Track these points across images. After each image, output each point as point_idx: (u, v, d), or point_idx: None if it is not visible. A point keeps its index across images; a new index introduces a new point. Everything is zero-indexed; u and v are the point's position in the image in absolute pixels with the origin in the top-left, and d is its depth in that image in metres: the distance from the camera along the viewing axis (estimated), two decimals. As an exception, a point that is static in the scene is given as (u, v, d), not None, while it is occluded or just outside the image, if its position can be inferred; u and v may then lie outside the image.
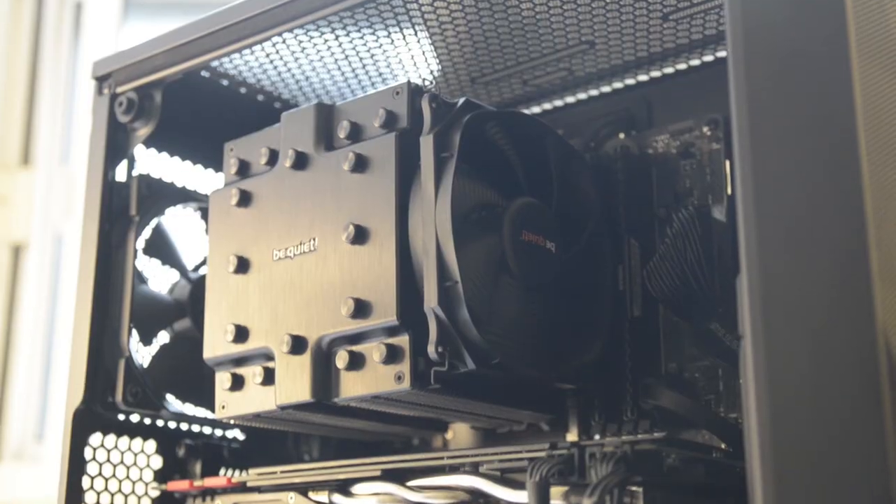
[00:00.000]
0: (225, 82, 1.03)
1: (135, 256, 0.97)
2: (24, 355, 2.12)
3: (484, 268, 0.80)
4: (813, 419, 0.64)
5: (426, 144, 0.81)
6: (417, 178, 0.81)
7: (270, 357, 0.86)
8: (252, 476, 0.90)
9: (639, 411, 0.90)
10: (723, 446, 0.84)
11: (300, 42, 0.96)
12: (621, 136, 0.98)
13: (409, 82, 0.83)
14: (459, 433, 1.02)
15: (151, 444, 0.99)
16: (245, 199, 0.90)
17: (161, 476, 0.99)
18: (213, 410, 0.89)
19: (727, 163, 0.92)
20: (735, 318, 0.66)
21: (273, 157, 0.90)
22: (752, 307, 0.63)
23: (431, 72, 1.01)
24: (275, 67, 1.00)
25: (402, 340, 0.79)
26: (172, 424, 1.01)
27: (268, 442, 1.05)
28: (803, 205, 0.66)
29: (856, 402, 0.64)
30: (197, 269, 1.05)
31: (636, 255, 0.93)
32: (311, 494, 0.87)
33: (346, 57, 0.99)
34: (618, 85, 1.02)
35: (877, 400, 0.63)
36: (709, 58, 0.98)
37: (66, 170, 2.20)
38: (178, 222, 1.05)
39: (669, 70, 1.00)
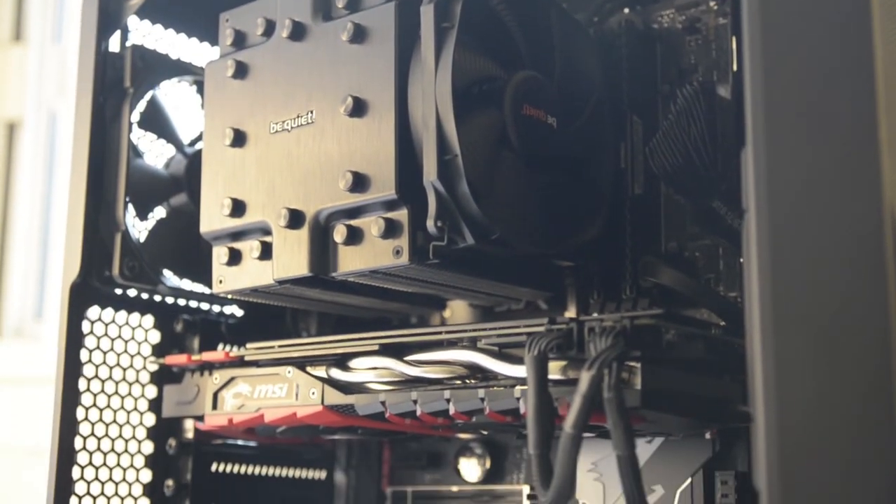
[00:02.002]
0: (220, -50, 1.00)
1: (130, 129, 0.96)
2: (21, 233, 2.12)
3: (484, 142, 0.79)
4: (816, 295, 0.63)
5: (426, 14, 0.79)
6: (417, 49, 0.79)
7: (268, 231, 0.85)
8: (250, 350, 0.90)
9: (638, 289, 0.90)
10: (722, 324, 0.84)
11: None
12: (626, 10, 0.96)
13: (409, -50, 0.81)
14: (457, 311, 1.02)
15: (149, 319, 0.99)
16: (241, 71, 0.88)
17: (159, 351, 0.99)
18: (210, 286, 0.89)
19: (733, 39, 0.90)
20: (737, 197, 0.65)
21: (270, 28, 0.87)
22: (757, 181, 0.62)
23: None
24: (271, -65, 0.97)
25: (401, 215, 0.79)
26: (170, 299, 1.00)
27: (265, 318, 1.05)
28: (811, 77, 0.65)
29: (861, 275, 0.64)
30: (193, 143, 1.04)
31: (638, 132, 0.92)
32: (308, 369, 0.87)
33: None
34: (623, -42, 1.00)
35: (881, 272, 0.63)
36: (717, -71, 0.95)
37: (58, 47, 2.17)
38: (174, 97, 1.03)
39: (676, -58, 0.97)
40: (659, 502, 0.88)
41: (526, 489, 0.99)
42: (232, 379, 0.91)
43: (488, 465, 1.02)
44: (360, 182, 0.79)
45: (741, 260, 0.87)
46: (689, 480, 0.88)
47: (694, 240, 0.90)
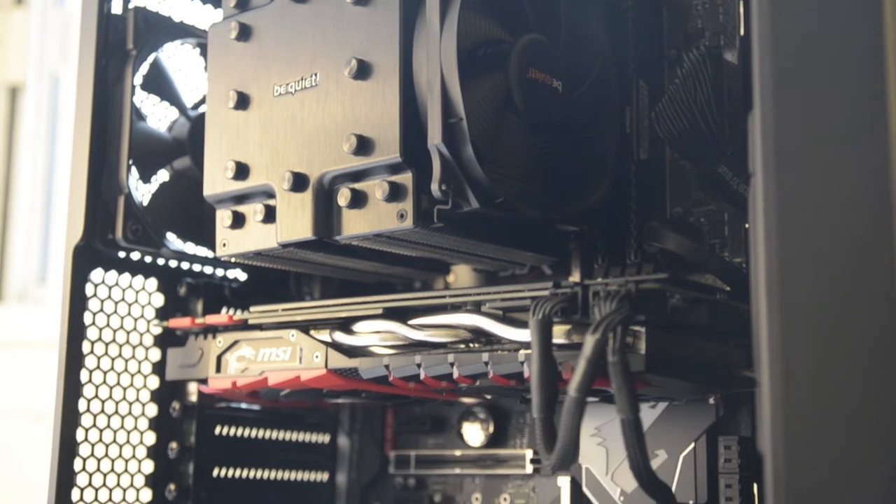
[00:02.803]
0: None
1: (132, 92, 0.95)
2: (24, 197, 2.12)
3: (489, 105, 0.78)
4: (822, 259, 0.63)
5: (432, -24, 0.78)
6: (422, 11, 0.79)
7: (271, 194, 0.85)
8: (253, 314, 0.90)
9: (643, 254, 0.90)
10: (727, 289, 0.84)
11: None
12: (632, -26, 0.95)
13: None
14: (461, 276, 1.02)
15: (153, 283, 0.99)
16: (244, 33, 0.88)
17: (162, 314, 0.99)
18: (214, 250, 0.89)
19: (741, 2, 0.89)
20: (743, 162, 0.65)
21: (273, -11, 0.87)
22: (764, 145, 0.62)
23: None
24: None
25: (405, 178, 0.78)
26: (173, 263, 1.00)
27: (269, 282, 1.05)
28: (819, 40, 0.65)
29: (868, 239, 0.64)
30: (196, 107, 1.03)
31: (644, 96, 0.91)
32: (312, 332, 0.87)
33: None
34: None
35: (889, 237, 0.62)
36: None
37: (61, 10, 2.16)
38: (177, 59, 1.03)
39: None
40: (662, 467, 0.88)
41: (529, 453, 0.99)
42: (235, 342, 0.91)
43: (491, 429, 1.02)
44: (364, 145, 0.79)
45: (746, 225, 0.87)
46: (692, 445, 0.88)
47: (699, 205, 0.90)
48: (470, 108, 0.76)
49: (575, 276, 0.92)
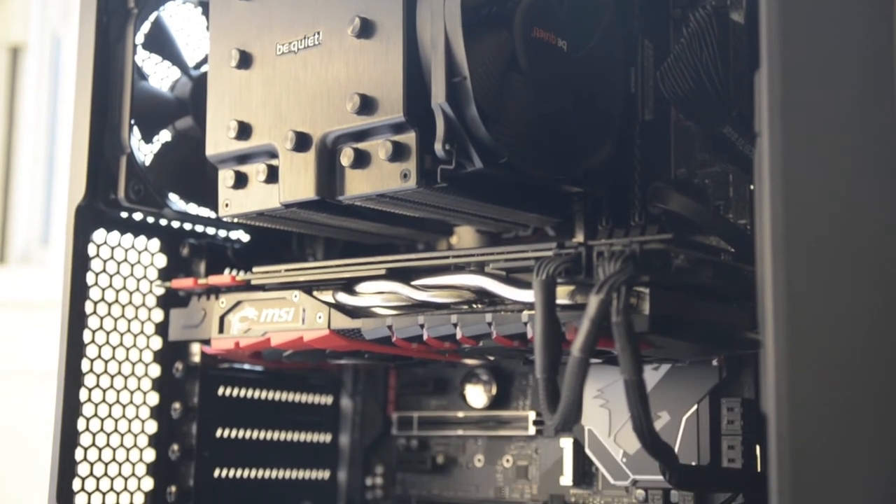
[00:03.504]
0: None
1: (134, 51, 0.94)
2: (27, 158, 2.11)
3: (493, 64, 0.78)
4: (828, 220, 0.63)
5: (436, -68, 0.77)
6: (426, -32, 0.78)
7: (274, 154, 0.84)
8: (256, 274, 0.90)
9: (647, 216, 0.89)
10: (731, 251, 0.84)
11: None
12: (638, -68, 0.95)
13: None
14: (465, 237, 1.01)
15: (155, 243, 0.99)
16: (247, -9, 0.87)
17: (165, 275, 0.99)
18: (216, 210, 0.89)
19: (748, -40, 0.88)
20: (749, 122, 0.65)
21: (276, -53, 0.86)
22: (770, 103, 0.61)
23: None
24: None
25: (409, 138, 0.78)
26: (176, 224, 1.00)
27: (272, 244, 1.05)
28: (829, -2, 0.64)
29: (874, 200, 0.63)
30: (198, 66, 1.03)
31: (649, 56, 0.91)
32: (315, 293, 0.87)
33: None
34: None
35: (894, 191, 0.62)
36: None
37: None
38: (179, 18, 1.02)
39: None
40: (664, 429, 0.88)
41: (532, 415, 1.00)
42: (238, 303, 0.91)
43: (494, 391, 1.02)
44: (367, 104, 0.79)
45: (751, 187, 0.87)
46: (695, 407, 0.88)
47: (704, 166, 0.89)
48: (474, 67, 0.76)
49: (579, 238, 0.91)
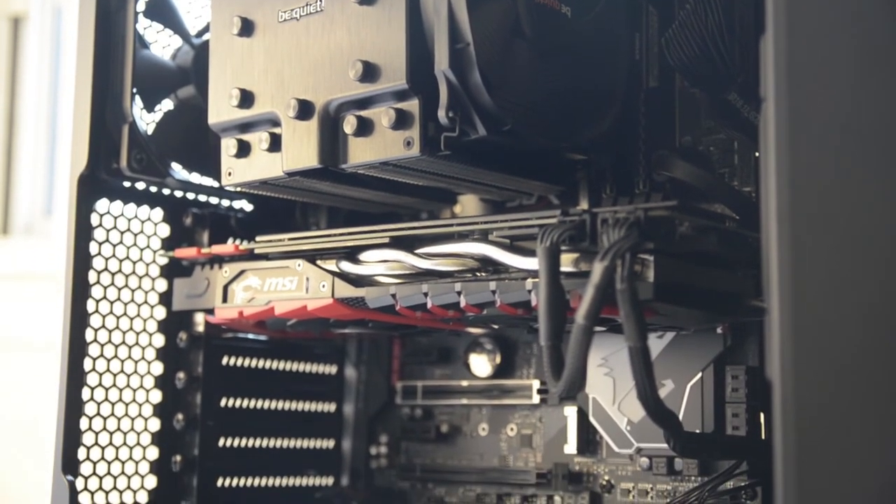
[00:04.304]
0: None
1: (135, 20, 0.94)
2: (29, 129, 2.11)
3: (497, 30, 0.77)
4: (834, 186, 0.62)
5: None
6: (429, -67, 0.77)
7: (277, 122, 0.84)
8: (260, 243, 0.90)
9: (651, 183, 0.89)
10: (736, 218, 0.83)
11: None
12: None
13: None
14: (468, 206, 1.01)
15: (158, 213, 0.99)
16: (248, -42, 0.86)
17: (168, 244, 0.98)
18: (219, 180, 0.88)
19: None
20: (754, 88, 0.64)
21: (277, -87, 0.85)
22: (776, 68, 0.60)
23: None
24: None
25: (412, 105, 0.77)
26: (179, 193, 1.00)
27: (275, 213, 1.04)
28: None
29: (881, 166, 0.63)
30: (200, 34, 1.02)
31: (654, 23, 0.90)
32: (319, 262, 0.87)
33: None
34: None
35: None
36: None
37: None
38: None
39: None
40: (669, 397, 0.88)
41: (536, 384, 1.00)
42: (242, 272, 0.91)
43: (498, 360, 1.02)
44: (370, 72, 0.78)
45: (756, 154, 0.86)
46: (699, 375, 0.88)
47: (709, 133, 0.89)
48: (477, 34, 0.75)
49: (583, 206, 0.91)
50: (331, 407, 1.11)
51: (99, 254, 0.93)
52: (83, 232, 0.92)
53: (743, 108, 0.85)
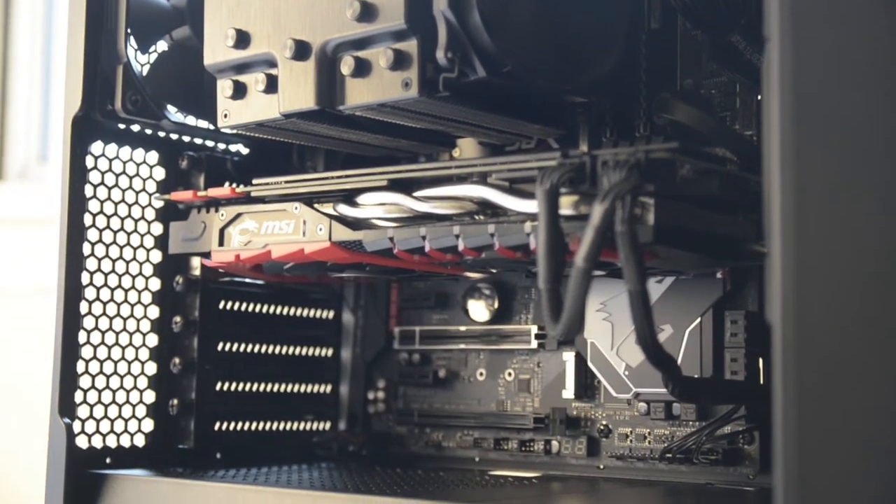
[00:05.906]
0: None
1: (129, -42, 0.92)
2: (23, 74, 2.09)
3: (497, -31, 0.76)
4: (840, 125, 0.61)
5: None
6: None
7: (273, 63, 0.83)
8: (256, 186, 0.89)
9: (652, 127, 0.88)
10: (737, 161, 0.83)
11: None
12: None
13: None
14: (467, 149, 1.00)
15: (153, 156, 0.98)
16: None
17: (164, 188, 0.98)
18: (215, 123, 0.87)
19: None
20: (758, 30, 0.63)
21: None
22: (781, 5, 0.59)
23: None
24: None
25: (410, 45, 0.76)
26: (174, 136, 0.99)
27: (272, 156, 1.03)
28: None
29: (886, 108, 0.62)
30: (195, -26, 1.01)
31: (656, -37, 0.89)
32: (316, 205, 0.86)
33: None
34: None
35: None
36: None
37: None
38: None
39: None
40: (668, 341, 0.88)
41: (534, 329, 0.99)
42: (238, 215, 0.90)
43: (496, 305, 1.02)
44: (368, 11, 0.77)
45: (758, 97, 0.85)
46: (698, 320, 0.88)
47: (711, 76, 0.88)
48: (477, -27, 0.74)
49: (583, 149, 0.90)
50: (328, 352, 1.11)
51: (94, 196, 0.93)
52: (78, 174, 0.91)
53: (745, 51, 0.84)
